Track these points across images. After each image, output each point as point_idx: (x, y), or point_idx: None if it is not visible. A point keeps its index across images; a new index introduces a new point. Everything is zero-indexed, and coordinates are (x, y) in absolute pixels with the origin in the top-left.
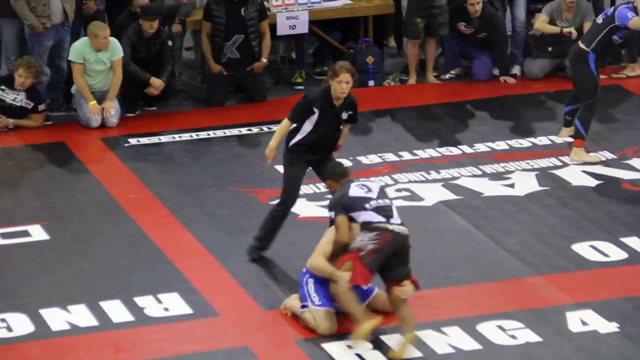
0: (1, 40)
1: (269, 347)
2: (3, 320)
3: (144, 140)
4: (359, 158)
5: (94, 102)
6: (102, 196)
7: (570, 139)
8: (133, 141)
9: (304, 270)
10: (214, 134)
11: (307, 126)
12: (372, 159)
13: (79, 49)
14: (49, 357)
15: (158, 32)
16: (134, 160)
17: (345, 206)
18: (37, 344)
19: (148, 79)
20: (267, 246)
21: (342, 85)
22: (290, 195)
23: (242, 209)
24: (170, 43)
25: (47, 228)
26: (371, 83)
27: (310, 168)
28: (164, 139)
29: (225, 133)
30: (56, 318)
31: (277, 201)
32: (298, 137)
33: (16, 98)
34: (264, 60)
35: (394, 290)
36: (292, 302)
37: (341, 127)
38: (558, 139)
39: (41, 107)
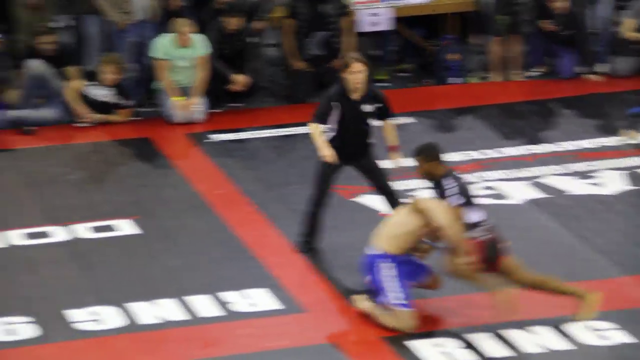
0: (87, 37)
1: (356, 344)
2: (94, 313)
3: (229, 137)
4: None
5: (179, 98)
6: (188, 192)
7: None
8: (217, 137)
9: (373, 253)
10: (298, 130)
11: (332, 125)
12: (456, 157)
13: (163, 46)
14: (138, 350)
15: (241, 28)
16: (219, 156)
17: (467, 200)
18: (127, 337)
19: (231, 76)
20: (314, 241)
21: (356, 75)
22: (320, 194)
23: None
24: (253, 40)
25: (135, 223)
26: (454, 80)
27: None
28: (248, 135)
29: (308, 130)
30: (145, 312)
31: (309, 200)
32: (325, 137)
33: (103, 94)
34: None
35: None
36: (364, 304)
37: (368, 121)
38: None
39: (127, 102)
